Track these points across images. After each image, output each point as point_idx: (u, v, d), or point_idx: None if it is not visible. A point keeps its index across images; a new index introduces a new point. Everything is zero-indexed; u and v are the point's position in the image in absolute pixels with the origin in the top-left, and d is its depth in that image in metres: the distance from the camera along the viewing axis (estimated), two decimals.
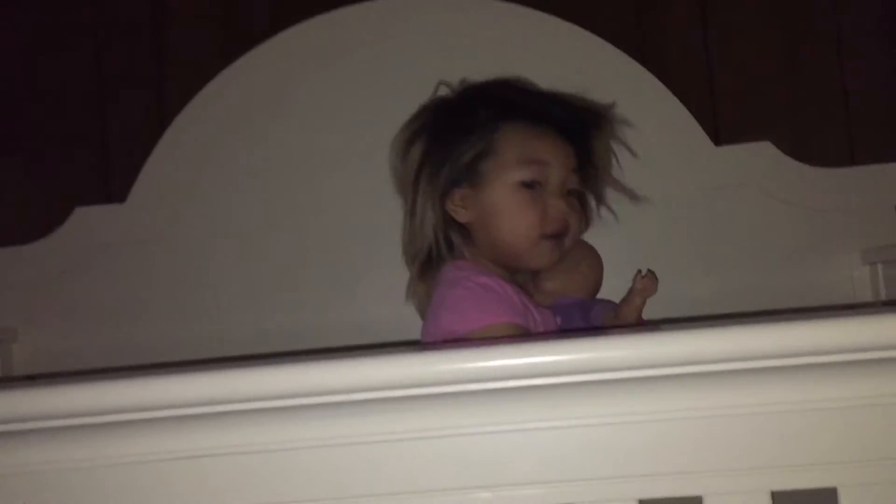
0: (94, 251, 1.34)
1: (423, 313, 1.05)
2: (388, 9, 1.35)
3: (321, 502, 0.62)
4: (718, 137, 1.33)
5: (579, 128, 1.07)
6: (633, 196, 1.15)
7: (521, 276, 1.06)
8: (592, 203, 1.12)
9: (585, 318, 1.02)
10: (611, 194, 1.13)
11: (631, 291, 0.94)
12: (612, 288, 1.06)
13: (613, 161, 1.13)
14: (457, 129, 1.04)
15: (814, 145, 1.34)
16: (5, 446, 0.63)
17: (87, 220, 1.35)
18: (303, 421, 0.62)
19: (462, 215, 1.03)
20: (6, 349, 1.32)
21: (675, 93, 1.31)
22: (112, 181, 1.40)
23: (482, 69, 1.17)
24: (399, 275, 1.08)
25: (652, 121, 1.30)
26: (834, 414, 0.60)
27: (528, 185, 1.00)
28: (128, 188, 1.35)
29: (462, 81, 1.16)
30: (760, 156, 1.30)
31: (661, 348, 0.57)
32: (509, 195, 1.00)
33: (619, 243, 1.18)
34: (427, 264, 1.04)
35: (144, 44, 1.42)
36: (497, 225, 1.01)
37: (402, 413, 0.61)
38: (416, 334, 1.02)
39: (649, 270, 0.90)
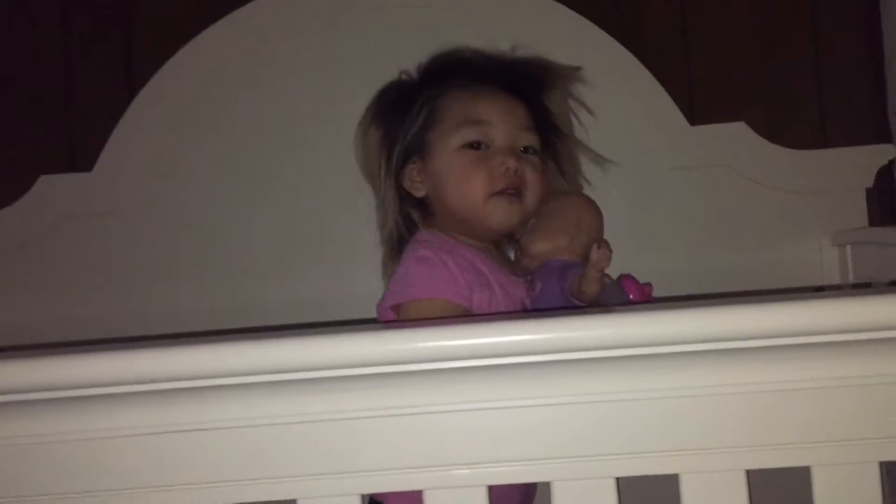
0: (58, 221, 1.31)
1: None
2: None
3: (297, 478, 0.61)
4: (694, 117, 1.33)
5: (527, 85, 1.06)
6: (598, 159, 1.14)
7: (507, 244, 1.07)
8: (563, 163, 1.11)
9: (562, 284, 0.97)
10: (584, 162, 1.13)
11: (588, 264, 0.91)
12: None
13: (576, 123, 1.14)
14: (403, 107, 1.05)
15: (787, 127, 1.34)
16: None
17: (52, 188, 1.32)
18: (277, 396, 0.61)
19: (419, 189, 1.04)
20: None
21: (653, 72, 1.30)
22: (78, 150, 1.36)
23: (459, 41, 1.15)
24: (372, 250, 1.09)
25: (628, 98, 1.30)
26: (808, 394, 0.61)
27: (473, 146, 1.00)
28: (94, 157, 1.32)
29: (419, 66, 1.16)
30: (735, 136, 1.30)
31: (634, 328, 0.57)
32: (452, 159, 1.00)
33: None
34: (398, 245, 1.05)
35: (114, 8, 1.38)
36: (446, 191, 1.01)
37: (379, 389, 0.61)
38: None
39: (604, 241, 0.88)
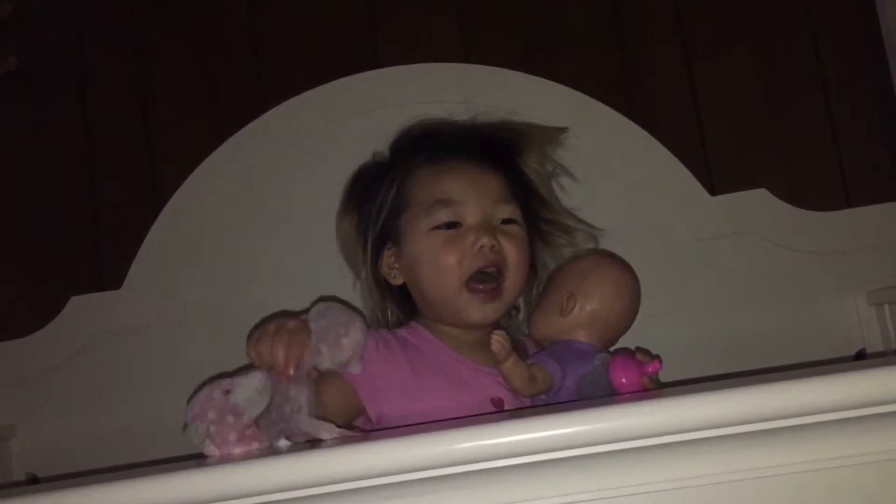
0: (90, 340, 1.32)
1: None
2: (373, 80, 1.35)
3: None
4: (713, 187, 1.33)
5: (498, 151, 1.01)
6: (586, 227, 1.10)
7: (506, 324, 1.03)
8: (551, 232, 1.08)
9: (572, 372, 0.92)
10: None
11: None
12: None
13: (595, 202, 1.12)
14: (370, 191, 1.02)
15: (808, 189, 1.33)
16: None
17: (84, 308, 1.33)
18: None
19: (395, 277, 1.00)
20: (5, 446, 1.29)
21: (667, 146, 1.31)
22: (106, 268, 1.38)
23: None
24: None
25: (646, 175, 1.30)
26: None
27: (445, 227, 0.94)
28: (122, 274, 1.34)
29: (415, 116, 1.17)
30: (757, 203, 1.30)
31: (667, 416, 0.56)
32: (423, 242, 0.94)
33: None
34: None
35: (134, 129, 1.42)
36: (419, 278, 0.95)
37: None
38: None
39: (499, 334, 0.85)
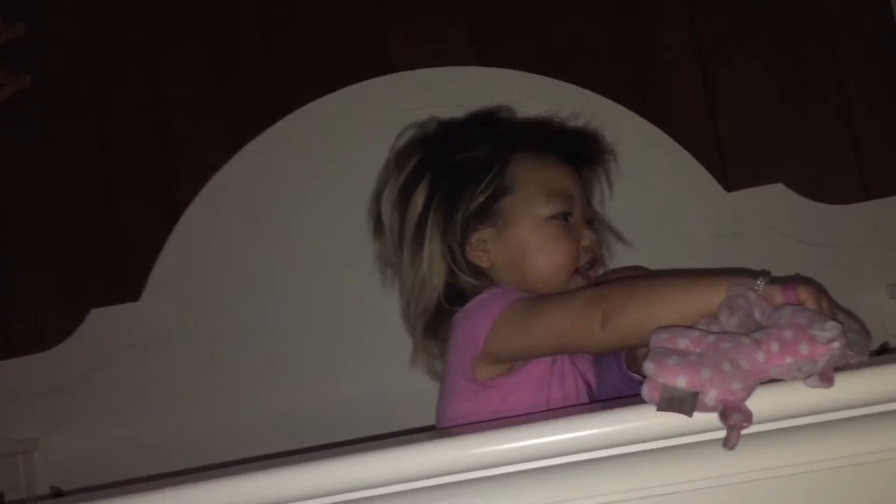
0: (111, 352, 1.33)
1: (434, 373, 1.01)
2: (385, 86, 1.36)
3: None
4: (729, 183, 1.32)
5: (584, 157, 1.05)
6: (617, 235, 1.13)
7: None
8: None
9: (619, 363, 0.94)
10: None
11: None
12: None
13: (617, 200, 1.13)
14: (461, 170, 0.98)
15: (825, 183, 1.32)
16: None
17: (103, 321, 1.34)
18: None
19: (484, 259, 0.97)
20: (28, 459, 1.30)
21: (682, 143, 1.30)
22: (125, 280, 1.39)
23: None
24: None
25: (662, 172, 1.30)
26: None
27: (558, 218, 0.96)
28: (141, 286, 1.34)
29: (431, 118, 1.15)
30: (773, 198, 1.29)
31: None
32: (540, 230, 0.95)
33: None
34: (436, 318, 0.98)
35: (150, 140, 1.42)
36: (531, 263, 0.95)
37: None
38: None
39: None
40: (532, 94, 1.32)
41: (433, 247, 0.97)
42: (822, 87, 1.35)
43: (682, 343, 0.60)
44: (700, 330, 0.62)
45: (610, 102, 1.32)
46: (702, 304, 0.66)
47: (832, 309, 0.66)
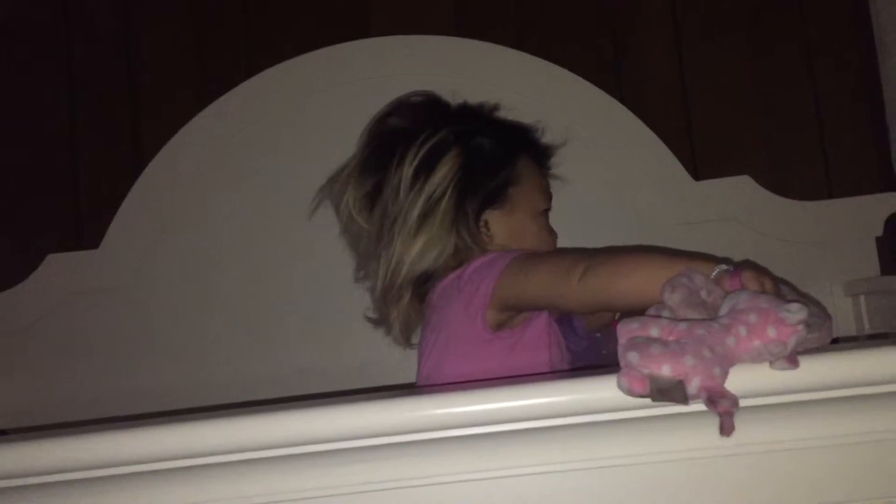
0: (66, 298, 1.31)
1: (407, 331, 1.04)
2: (362, 50, 1.35)
3: None
4: (698, 172, 1.33)
5: (547, 168, 1.13)
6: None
7: None
8: None
9: (571, 327, 1.03)
10: None
11: None
12: None
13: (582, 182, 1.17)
14: (488, 152, 1.05)
15: (792, 179, 1.34)
16: None
17: (60, 266, 1.32)
18: (280, 472, 0.60)
19: (485, 236, 1.03)
20: None
21: (654, 130, 1.31)
22: (85, 227, 1.37)
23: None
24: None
25: (632, 157, 1.30)
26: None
27: (545, 212, 1.07)
28: (101, 235, 1.33)
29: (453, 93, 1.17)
30: (740, 190, 1.30)
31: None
32: (534, 220, 1.05)
33: None
34: (426, 284, 1.01)
35: (119, 87, 1.40)
36: (525, 246, 1.02)
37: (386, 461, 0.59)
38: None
39: None
40: (508, 70, 1.31)
41: (445, 217, 1.00)
42: (796, 85, 1.36)
43: (654, 331, 0.60)
44: (668, 319, 0.63)
45: (585, 83, 1.32)
46: (663, 279, 0.69)
47: (777, 290, 0.69)
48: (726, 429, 0.56)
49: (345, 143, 1.25)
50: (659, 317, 0.64)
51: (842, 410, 0.59)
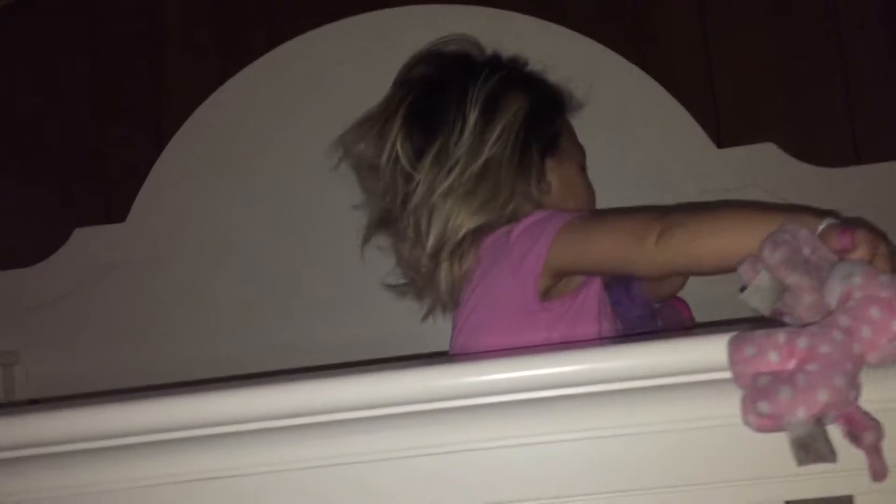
0: (94, 272, 1.33)
1: (454, 291, 0.94)
2: (384, 19, 1.34)
3: None
4: (721, 140, 1.32)
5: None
6: None
7: None
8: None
9: (628, 293, 1.01)
10: None
11: None
12: None
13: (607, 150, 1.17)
14: (547, 95, 1.01)
15: (817, 145, 1.32)
16: (7, 472, 0.62)
17: (87, 240, 1.34)
18: (302, 440, 0.61)
19: (543, 185, 0.96)
20: (8, 372, 1.31)
21: (677, 97, 1.29)
22: (111, 201, 1.38)
23: None
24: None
25: (655, 124, 1.29)
26: None
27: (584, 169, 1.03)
28: (127, 208, 1.34)
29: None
30: (763, 157, 1.29)
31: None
32: (579, 174, 1.02)
33: None
34: (472, 239, 0.92)
35: (142, 62, 1.41)
36: (569, 200, 0.98)
37: (431, 426, 0.60)
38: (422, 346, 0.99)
39: None
40: (530, 38, 1.30)
41: (514, 156, 0.93)
42: (823, 49, 1.34)
43: (773, 356, 0.53)
44: (783, 334, 0.54)
45: (607, 50, 1.31)
46: (759, 236, 0.62)
47: (892, 258, 0.61)
48: (878, 471, 0.51)
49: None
50: (771, 330, 0.55)
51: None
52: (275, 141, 1.34)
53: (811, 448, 0.51)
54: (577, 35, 1.31)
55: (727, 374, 0.55)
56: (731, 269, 0.63)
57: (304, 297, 1.32)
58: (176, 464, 0.61)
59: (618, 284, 0.99)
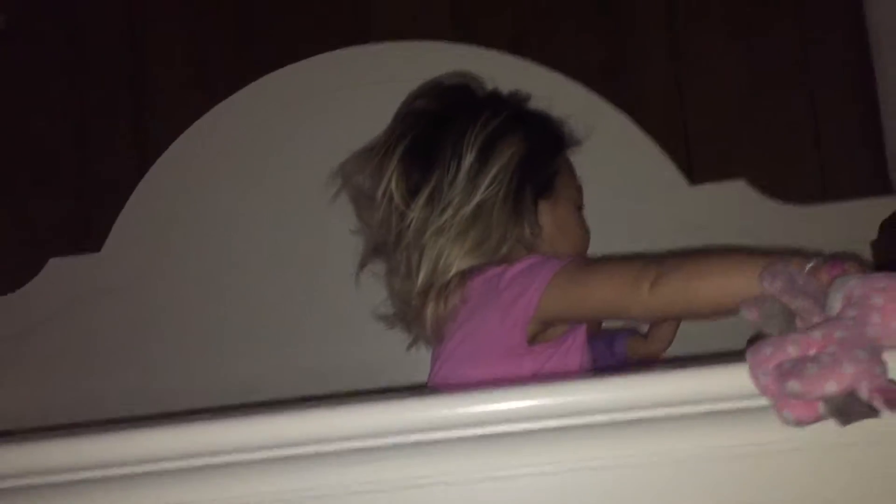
0: (69, 302, 1.32)
1: (439, 328, 0.94)
2: (364, 56, 1.36)
3: None
4: (693, 177, 1.34)
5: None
6: None
7: None
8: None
9: (610, 349, 1.02)
10: None
11: None
12: None
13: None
14: (547, 142, 1.01)
15: (788, 182, 1.34)
16: None
17: (62, 270, 1.33)
18: (281, 473, 0.61)
19: (536, 227, 0.97)
20: None
21: (650, 133, 1.32)
22: (88, 231, 1.38)
23: None
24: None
25: (627, 161, 1.31)
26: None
27: (580, 209, 1.03)
28: (103, 238, 1.34)
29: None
30: (735, 195, 1.31)
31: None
32: (573, 215, 1.02)
33: None
34: (462, 278, 0.93)
35: (122, 94, 1.41)
36: (562, 243, 0.98)
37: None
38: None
39: None
40: (505, 75, 1.32)
41: (509, 199, 0.94)
42: (792, 89, 1.37)
43: (792, 349, 0.54)
44: (797, 332, 0.56)
45: (581, 87, 1.33)
46: (752, 278, 0.64)
47: None
48: None
49: (349, 147, 1.27)
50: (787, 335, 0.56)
51: None
52: (255, 173, 1.34)
53: (851, 409, 0.51)
54: (549, 71, 1.33)
55: (715, 406, 0.56)
56: (725, 313, 0.66)
57: (281, 327, 1.31)
58: (147, 497, 0.61)
59: (601, 339, 1.00)
